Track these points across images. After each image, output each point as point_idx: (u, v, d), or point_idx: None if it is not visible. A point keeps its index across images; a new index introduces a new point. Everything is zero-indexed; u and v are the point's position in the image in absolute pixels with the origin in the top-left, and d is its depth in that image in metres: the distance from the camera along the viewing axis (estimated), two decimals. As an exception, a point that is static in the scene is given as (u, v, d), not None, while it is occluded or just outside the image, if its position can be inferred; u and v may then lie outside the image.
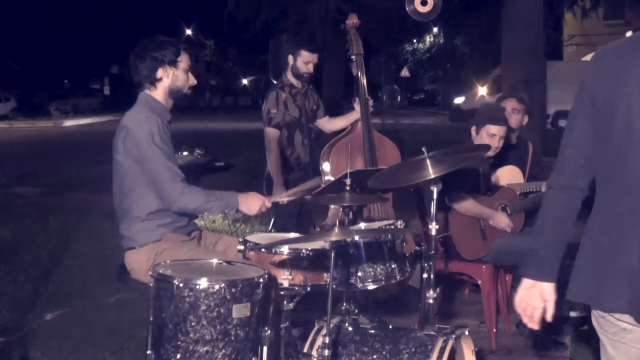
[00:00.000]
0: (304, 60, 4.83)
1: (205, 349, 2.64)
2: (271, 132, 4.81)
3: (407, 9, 5.80)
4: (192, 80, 3.53)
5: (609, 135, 1.96)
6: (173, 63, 3.41)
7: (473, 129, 4.30)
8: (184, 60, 3.45)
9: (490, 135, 4.19)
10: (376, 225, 3.49)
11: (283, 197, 3.66)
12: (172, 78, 3.43)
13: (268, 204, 3.44)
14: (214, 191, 3.39)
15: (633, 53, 1.97)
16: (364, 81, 4.80)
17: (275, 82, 5.19)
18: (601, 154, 2.00)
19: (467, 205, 4.11)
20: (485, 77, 29.66)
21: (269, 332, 2.78)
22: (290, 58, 4.89)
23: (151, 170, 3.28)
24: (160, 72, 3.41)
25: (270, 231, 4.55)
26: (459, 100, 31.31)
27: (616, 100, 1.94)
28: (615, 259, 1.94)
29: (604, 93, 1.98)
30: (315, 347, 2.96)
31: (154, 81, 3.41)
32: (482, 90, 29.19)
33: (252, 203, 3.39)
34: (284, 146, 4.87)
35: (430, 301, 3.19)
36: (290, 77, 4.92)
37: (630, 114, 1.91)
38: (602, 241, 1.98)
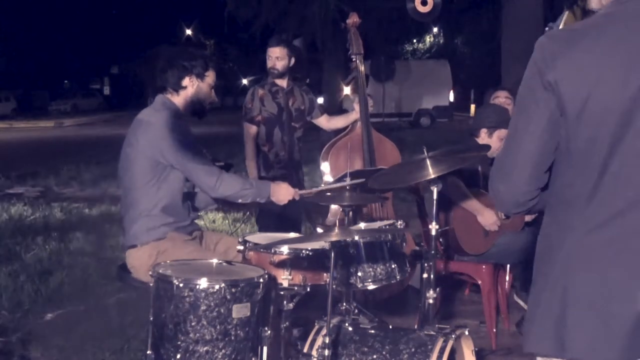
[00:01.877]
0: (267, 55, 4.94)
1: (205, 349, 2.64)
2: (245, 126, 4.98)
3: (407, 8, 5.81)
4: (214, 97, 3.65)
5: (601, 148, 1.62)
6: (200, 75, 3.52)
7: (483, 131, 4.27)
8: (210, 76, 3.57)
9: (500, 139, 4.20)
10: (376, 225, 3.49)
11: (312, 191, 3.73)
12: (196, 89, 3.52)
13: (297, 197, 3.52)
14: (249, 179, 3.48)
15: (622, 38, 1.62)
16: (364, 81, 4.81)
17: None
18: (576, 175, 1.67)
19: (459, 194, 4.08)
20: (348, 75, 28.89)
21: (269, 332, 2.78)
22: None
23: (179, 160, 3.33)
24: (186, 81, 3.50)
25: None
26: (319, 100, 30.76)
27: (612, 104, 1.60)
28: (618, 301, 1.61)
29: (588, 95, 1.62)
30: (315, 347, 2.96)
31: (178, 88, 3.50)
32: (346, 90, 28.52)
33: (283, 194, 3.48)
34: (262, 142, 4.96)
35: (430, 301, 3.18)
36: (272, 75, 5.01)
37: (633, 119, 1.59)
38: (590, 277, 1.64)
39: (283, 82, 4.98)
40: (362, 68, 4.84)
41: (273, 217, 4.66)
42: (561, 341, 1.66)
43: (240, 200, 3.45)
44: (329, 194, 3.59)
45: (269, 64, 4.93)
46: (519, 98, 1.77)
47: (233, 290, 2.66)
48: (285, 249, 2.93)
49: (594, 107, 1.61)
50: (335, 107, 14.72)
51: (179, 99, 3.51)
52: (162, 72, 3.51)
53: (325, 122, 5.18)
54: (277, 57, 4.91)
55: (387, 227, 3.34)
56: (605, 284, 1.62)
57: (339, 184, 3.65)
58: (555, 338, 1.67)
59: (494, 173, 1.84)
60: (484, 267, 4.22)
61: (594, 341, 1.63)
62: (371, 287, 3.07)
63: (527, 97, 1.73)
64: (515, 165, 1.76)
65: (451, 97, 25.53)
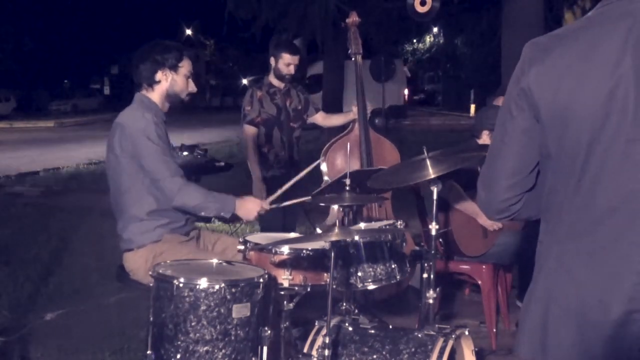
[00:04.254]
0: (285, 62, 4.89)
1: (205, 349, 2.64)
2: (246, 129, 4.94)
3: (407, 9, 5.81)
4: (192, 88, 3.53)
5: (577, 155, 1.61)
6: (174, 67, 3.43)
7: (485, 133, 4.28)
8: (185, 66, 3.46)
9: None
10: (376, 225, 3.49)
11: (278, 194, 3.67)
12: (170, 82, 3.43)
13: (266, 207, 3.45)
14: (213, 192, 3.38)
15: (602, 44, 1.58)
16: (362, 80, 4.81)
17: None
18: (558, 181, 1.67)
19: (458, 199, 4.09)
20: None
21: (269, 332, 2.78)
22: (272, 60, 4.96)
23: (149, 166, 3.27)
24: (159, 75, 3.41)
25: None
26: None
27: (584, 110, 1.58)
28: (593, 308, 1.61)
29: (561, 101, 1.61)
30: (315, 347, 2.96)
31: (152, 83, 3.42)
32: None
33: (250, 208, 3.39)
34: (262, 143, 4.94)
35: (430, 301, 3.18)
36: (271, 78, 5.00)
37: (606, 125, 1.57)
38: (569, 287, 1.64)
39: (280, 83, 4.98)
40: (361, 67, 4.84)
41: (277, 220, 4.66)
42: (543, 347, 1.68)
43: (202, 213, 3.36)
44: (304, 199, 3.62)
45: (286, 70, 4.89)
46: (500, 108, 1.80)
47: (233, 290, 2.66)
48: (285, 249, 2.93)
49: (567, 113, 1.61)
50: (336, 107, 14.69)
51: (154, 95, 3.43)
52: (135, 68, 3.44)
53: (321, 119, 5.20)
54: (296, 64, 4.93)
55: (387, 227, 3.34)
56: (583, 292, 1.62)
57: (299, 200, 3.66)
58: (539, 344, 1.69)
59: (479, 180, 1.86)
60: (484, 267, 4.22)
61: (571, 350, 1.64)
62: (371, 287, 3.06)
63: (504, 108, 1.75)
64: (493, 175, 1.80)
65: (406, 97, 25.23)
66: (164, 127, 3.41)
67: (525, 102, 1.67)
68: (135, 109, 3.39)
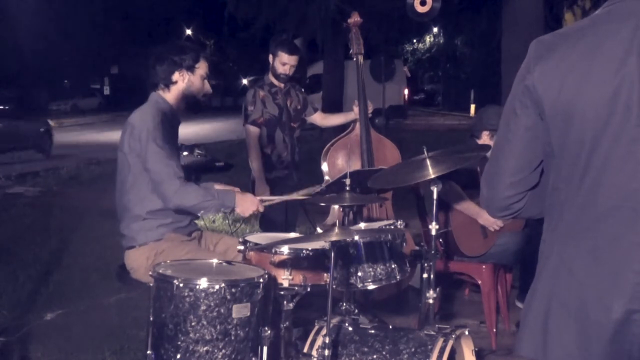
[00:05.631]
0: (281, 61, 4.83)
1: (205, 349, 2.64)
2: (248, 129, 4.88)
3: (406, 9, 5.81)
4: (208, 88, 3.57)
5: (580, 153, 1.62)
6: (190, 68, 3.45)
7: (485, 133, 4.27)
8: (202, 67, 3.49)
9: None
10: (376, 225, 3.49)
11: (275, 201, 3.76)
12: (187, 83, 3.46)
13: (261, 209, 3.51)
14: (212, 190, 3.41)
15: (604, 43, 1.58)
16: (363, 80, 4.80)
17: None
18: (560, 179, 1.67)
19: (458, 199, 4.09)
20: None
21: (269, 332, 2.78)
22: (270, 58, 4.92)
23: (151, 168, 3.30)
24: (176, 76, 3.44)
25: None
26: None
27: (587, 110, 1.58)
28: (592, 307, 1.61)
29: (565, 99, 1.61)
30: (315, 347, 2.96)
31: (168, 84, 3.45)
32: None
33: (247, 206, 3.43)
34: (264, 144, 4.89)
35: (430, 301, 3.19)
36: (270, 76, 4.96)
37: (609, 123, 1.56)
38: (572, 284, 1.64)
39: (280, 83, 4.97)
40: (362, 67, 4.84)
41: (276, 222, 4.66)
42: (544, 346, 1.68)
43: (202, 212, 3.41)
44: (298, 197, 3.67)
45: (282, 69, 4.84)
46: (505, 106, 1.79)
47: (233, 290, 2.66)
48: (285, 249, 2.93)
49: (570, 112, 1.61)
50: (336, 107, 14.71)
51: (170, 95, 3.46)
52: (152, 69, 3.47)
53: (319, 119, 5.17)
54: (293, 65, 4.87)
55: (387, 227, 3.34)
56: (584, 292, 1.62)
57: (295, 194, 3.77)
58: (540, 342, 1.69)
59: (482, 178, 1.87)
60: (484, 267, 4.22)
61: (572, 349, 1.64)
62: (371, 287, 3.06)
63: (508, 106, 1.75)
64: (496, 173, 1.80)
65: (406, 97, 25.25)
66: (174, 129, 3.46)
67: (530, 100, 1.67)
68: (148, 110, 3.41)
